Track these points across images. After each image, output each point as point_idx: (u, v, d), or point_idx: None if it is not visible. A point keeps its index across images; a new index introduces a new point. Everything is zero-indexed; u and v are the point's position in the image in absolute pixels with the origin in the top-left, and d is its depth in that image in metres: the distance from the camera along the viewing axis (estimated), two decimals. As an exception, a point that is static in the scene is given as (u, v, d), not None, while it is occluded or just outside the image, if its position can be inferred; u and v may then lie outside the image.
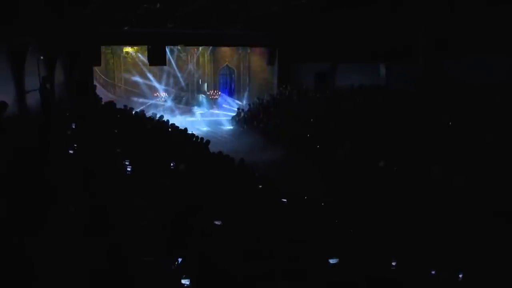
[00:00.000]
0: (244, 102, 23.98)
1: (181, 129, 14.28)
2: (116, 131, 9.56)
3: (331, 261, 4.33)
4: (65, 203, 4.26)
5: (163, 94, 24.03)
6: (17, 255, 3.39)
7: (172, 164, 7.29)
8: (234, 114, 21.97)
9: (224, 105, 24.32)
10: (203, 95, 25.08)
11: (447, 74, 14.36)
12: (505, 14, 12.22)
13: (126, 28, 17.92)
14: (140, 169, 6.31)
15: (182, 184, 6.17)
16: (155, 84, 23.99)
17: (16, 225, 3.86)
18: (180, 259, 4.01)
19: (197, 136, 13.21)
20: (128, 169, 6.50)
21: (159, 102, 23.33)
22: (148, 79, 23.70)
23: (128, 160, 6.66)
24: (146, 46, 20.00)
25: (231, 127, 21.06)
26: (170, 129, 13.95)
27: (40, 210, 4.01)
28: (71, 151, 6.57)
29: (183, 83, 24.98)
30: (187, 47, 24.05)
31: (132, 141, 8.53)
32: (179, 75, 24.70)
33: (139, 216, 4.80)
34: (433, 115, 13.12)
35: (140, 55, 23.26)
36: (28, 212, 4.01)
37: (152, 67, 22.23)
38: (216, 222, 4.82)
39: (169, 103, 23.59)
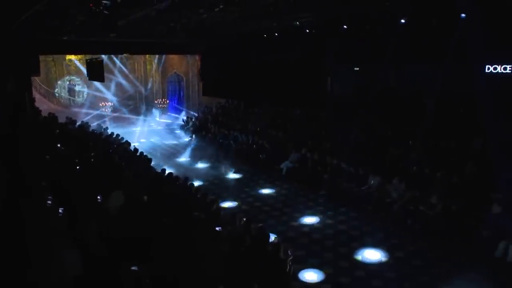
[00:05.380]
0: (193, 110, 23.80)
1: (124, 145, 13.99)
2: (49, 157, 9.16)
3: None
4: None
5: (108, 104, 23.31)
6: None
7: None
8: (182, 123, 21.76)
9: (172, 114, 23.98)
10: (150, 104, 24.62)
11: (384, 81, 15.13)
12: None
13: (65, 38, 17.13)
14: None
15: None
16: (101, 93, 23.24)
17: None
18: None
19: (142, 152, 12.99)
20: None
21: (105, 112, 22.59)
22: (92, 88, 22.91)
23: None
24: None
25: (179, 138, 20.82)
26: (115, 147, 13.61)
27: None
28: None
29: (129, 92, 24.36)
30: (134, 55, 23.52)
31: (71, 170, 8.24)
32: (125, 83, 24.06)
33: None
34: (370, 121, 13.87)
35: (78, 63, 22.40)
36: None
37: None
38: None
39: (115, 113, 22.96)
